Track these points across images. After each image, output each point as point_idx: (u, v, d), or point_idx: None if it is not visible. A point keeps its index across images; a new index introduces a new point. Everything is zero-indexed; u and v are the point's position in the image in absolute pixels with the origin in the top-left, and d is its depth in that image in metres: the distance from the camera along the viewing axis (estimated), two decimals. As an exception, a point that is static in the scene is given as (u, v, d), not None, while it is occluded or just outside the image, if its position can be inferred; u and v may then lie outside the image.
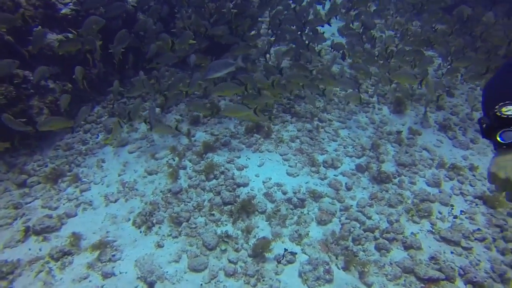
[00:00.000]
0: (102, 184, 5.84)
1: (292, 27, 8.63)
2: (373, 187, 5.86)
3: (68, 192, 5.63)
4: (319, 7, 10.38)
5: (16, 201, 5.38)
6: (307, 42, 8.23)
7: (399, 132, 7.12)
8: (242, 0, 8.31)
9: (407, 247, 4.81)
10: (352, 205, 5.52)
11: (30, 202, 5.42)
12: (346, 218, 5.30)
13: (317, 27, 8.59)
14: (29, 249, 4.79)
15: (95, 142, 6.66)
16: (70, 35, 7.03)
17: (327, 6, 9.97)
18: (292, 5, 8.84)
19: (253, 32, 8.66)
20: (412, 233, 5.00)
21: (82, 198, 5.53)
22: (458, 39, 9.04)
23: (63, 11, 7.22)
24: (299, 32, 8.56)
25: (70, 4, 7.41)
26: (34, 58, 6.54)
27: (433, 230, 5.02)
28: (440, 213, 5.32)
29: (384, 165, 6.28)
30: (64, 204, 5.42)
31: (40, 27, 6.72)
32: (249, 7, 8.30)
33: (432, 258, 4.59)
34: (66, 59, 6.94)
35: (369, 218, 5.27)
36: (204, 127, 7.03)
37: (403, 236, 4.92)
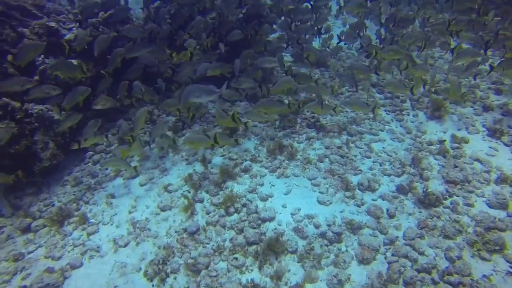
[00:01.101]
0: (112, 224, 5.10)
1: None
2: (420, 212, 4.84)
3: (74, 236, 4.92)
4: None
5: (18, 251, 4.71)
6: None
7: (441, 142, 6.04)
8: (254, 5, 7.50)
9: (479, 296, 3.76)
10: (398, 237, 4.52)
11: (32, 251, 4.74)
12: (393, 255, 4.31)
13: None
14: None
15: (104, 174, 5.96)
16: (75, 61, 6.44)
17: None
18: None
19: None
20: (484, 276, 3.93)
21: (89, 243, 4.80)
22: (490, 22, 7.53)
23: (67, 36, 6.62)
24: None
25: (74, 29, 6.83)
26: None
27: (513, 273, 3.95)
28: (516, 247, 4.24)
29: (430, 184, 5.23)
30: (69, 252, 4.71)
31: (42, 56, 6.17)
32: (261, 11, 7.51)
33: (522, 317, 3.53)
34: (71, 87, 6.31)
35: (422, 253, 4.26)
36: (221, 151, 6.21)
37: (471, 279, 3.87)
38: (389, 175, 5.48)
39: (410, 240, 4.42)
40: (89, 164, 6.20)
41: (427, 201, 4.82)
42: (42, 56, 5.98)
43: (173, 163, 6.04)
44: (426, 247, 4.31)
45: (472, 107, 6.84)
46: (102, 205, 5.40)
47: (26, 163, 5.52)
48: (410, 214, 4.81)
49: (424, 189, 4.94)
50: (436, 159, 5.72)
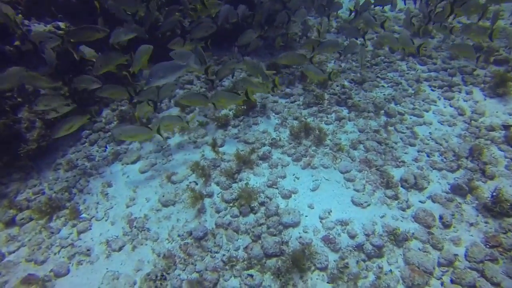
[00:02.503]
0: (106, 220, 4.11)
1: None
2: (486, 223, 3.62)
3: (62, 235, 3.97)
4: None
5: (-3, 252, 3.82)
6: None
7: (507, 127, 4.66)
8: None
9: None
10: (457, 256, 3.36)
11: (13, 251, 3.84)
12: (453, 281, 3.17)
13: None
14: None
15: (102, 157, 4.92)
16: (62, 24, 5.18)
17: None
18: None
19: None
20: None
21: (79, 244, 3.85)
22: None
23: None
24: None
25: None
26: (24, 56, 4.80)
27: None
28: None
29: (495, 183, 3.96)
30: (55, 254, 3.78)
31: (20, 15, 4.92)
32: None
33: None
34: (59, 55, 5.11)
35: (497, 285, 3.10)
36: (236, 131, 5.02)
37: None
38: (440, 170, 4.21)
39: (476, 263, 3.25)
40: (86, 144, 5.15)
41: (498, 209, 3.58)
42: (20, 15, 4.72)
43: (179, 146, 4.92)
44: (503, 276, 3.14)
45: (541, 83, 5.32)
46: (97, 195, 4.40)
47: (10, 145, 4.52)
48: (472, 225, 3.60)
49: (494, 193, 3.67)
50: (502, 150, 4.38)
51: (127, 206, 4.21)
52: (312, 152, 4.48)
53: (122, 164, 4.78)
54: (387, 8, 7.97)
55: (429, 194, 3.94)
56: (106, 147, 5.10)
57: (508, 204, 3.52)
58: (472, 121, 4.85)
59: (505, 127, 4.64)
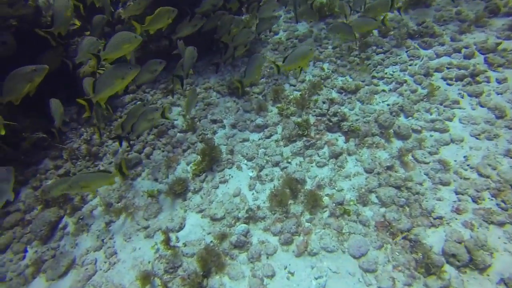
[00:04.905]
0: None
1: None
2: None
3: None
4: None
5: None
6: None
7: None
8: None
9: None
10: None
11: None
12: None
13: None
14: None
15: (16, 272, 3.38)
16: None
17: None
18: None
19: None
20: None
21: None
22: None
23: None
24: None
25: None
26: None
27: None
28: None
29: None
30: None
31: None
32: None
33: None
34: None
35: None
36: (198, 200, 3.47)
37: None
38: (500, 225, 2.72)
39: None
40: None
41: None
42: None
43: (124, 237, 3.39)
44: None
45: None
46: None
47: None
48: None
49: None
50: None
51: None
52: (307, 225, 2.97)
53: (47, 281, 3.26)
54: None
55: (499, 276, 2.47)
56: (26, 251, 3.56)
57: None
58: (519, 127, 3.31)
59: None
